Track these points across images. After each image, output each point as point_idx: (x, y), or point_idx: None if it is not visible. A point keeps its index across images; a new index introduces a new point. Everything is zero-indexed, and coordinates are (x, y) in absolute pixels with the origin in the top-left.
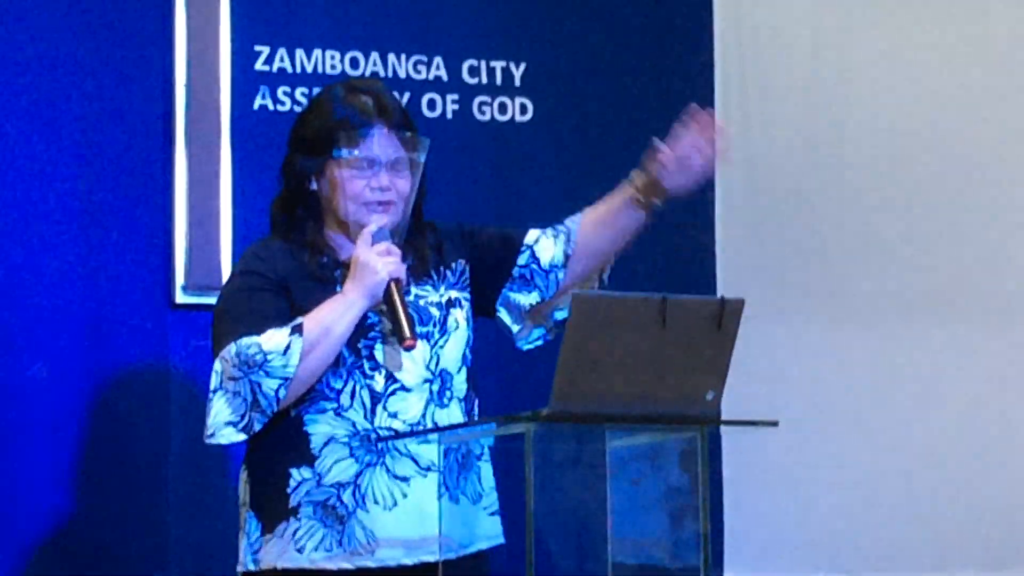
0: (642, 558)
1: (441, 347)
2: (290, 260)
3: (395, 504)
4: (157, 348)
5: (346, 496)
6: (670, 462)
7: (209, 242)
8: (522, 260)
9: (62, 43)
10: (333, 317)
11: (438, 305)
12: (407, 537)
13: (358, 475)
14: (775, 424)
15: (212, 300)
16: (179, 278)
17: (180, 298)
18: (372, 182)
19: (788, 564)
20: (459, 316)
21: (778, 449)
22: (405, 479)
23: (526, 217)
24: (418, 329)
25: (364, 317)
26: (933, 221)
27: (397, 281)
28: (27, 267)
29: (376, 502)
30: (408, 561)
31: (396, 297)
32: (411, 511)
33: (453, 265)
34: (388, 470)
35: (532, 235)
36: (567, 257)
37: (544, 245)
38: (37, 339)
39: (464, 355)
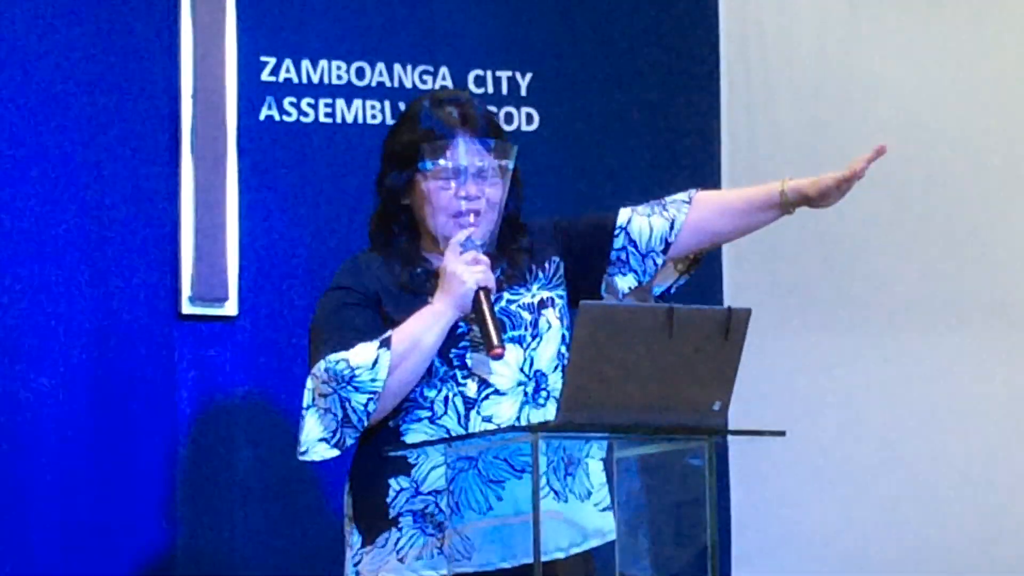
0: (649, 568)
1: (534, 349)
2: (383, 273)
3: (489, 508)
4: (163, 358)
5: (443, 503)
6: (678, 472)
7: (215, 253)
8: (617, 243)
9: (68, 53)
10: (422, 329)
11: (529, 307)
12: (504, 541)
13: (451, 481)
14: (782, 434)
15: (218, 311)
16: (185, 289)
17: (186, 309)
18: (459, 192)
19: (796, 574)
20: (551, 316)
21: (785, 459)
22: (499, 482)
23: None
24: (510, 333)
25: (455, 326)
26: (942, 229)
27: (486, 290)
28: (34, 277)
29: (471, 508)
30: (506, 565)
31: (484, 306)
32: (507, 514)
33: (546, 264)
34: (480, 474)
35: (624, 215)
36: (667, 244)
37: (639, 225)
38: (44, 349)
39: (559, 352)
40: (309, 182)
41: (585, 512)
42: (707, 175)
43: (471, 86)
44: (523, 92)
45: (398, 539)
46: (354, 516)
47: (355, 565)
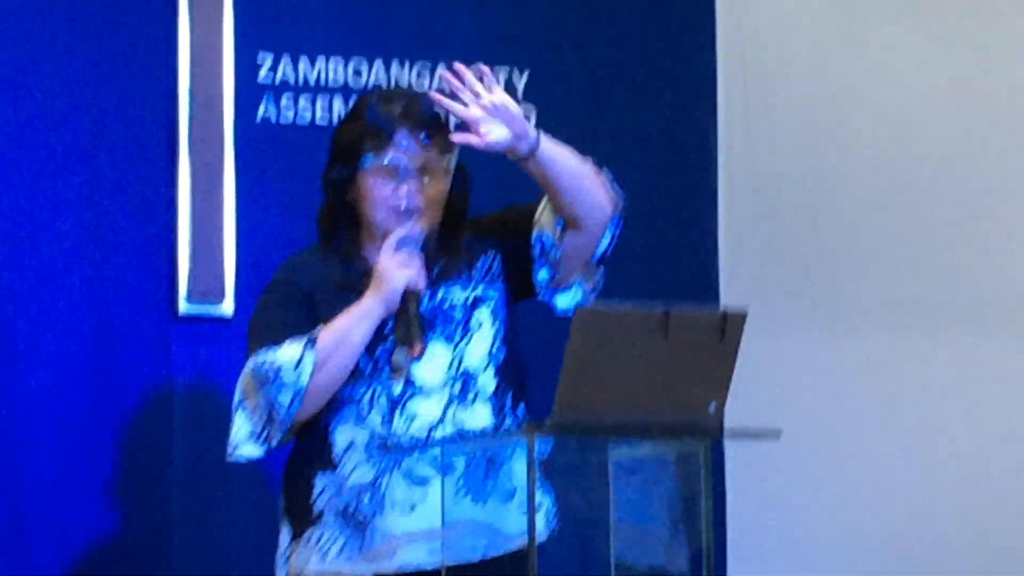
0: (645, 569)
1: (463, 348)
2: (321, 270)
3: (412, 508)
4: (160, 358)
5: (365, 500)
6: (673, 473)
7: (212, 252)
8: (535, 234)
9: (65, 54)
10: (348, 326)
11: (463, 306)
12: (426, 541)
13: (375, 479)
14: (778, 435)
15: (215, 310)
16: (182, 288)
17: (183, 308)
18: (399, 190)
19: (792, 575)
20: (483, 315)
21: (781, 460)
22: (423, 481)
23: None
24: (440, 331)
25: (382, 324)
26: (938, 232)
27: (414, 292)
28: (31, 277)
29: (394, 507)
30: (428, 565)
31: (409, 307)
32: (430, 514)
33: (482, 259)
34: (406, 474)
35: (540, 206)
36: (559, 232)
37: (547, 218)
38: (41, 349)
39: (490, 353)
40: (305, 182)
41: (506, 515)
42: (703, 175)
43: None
44: (520, 91)
45: (320, 535)
46: (284, 512)
47: (285, 561)
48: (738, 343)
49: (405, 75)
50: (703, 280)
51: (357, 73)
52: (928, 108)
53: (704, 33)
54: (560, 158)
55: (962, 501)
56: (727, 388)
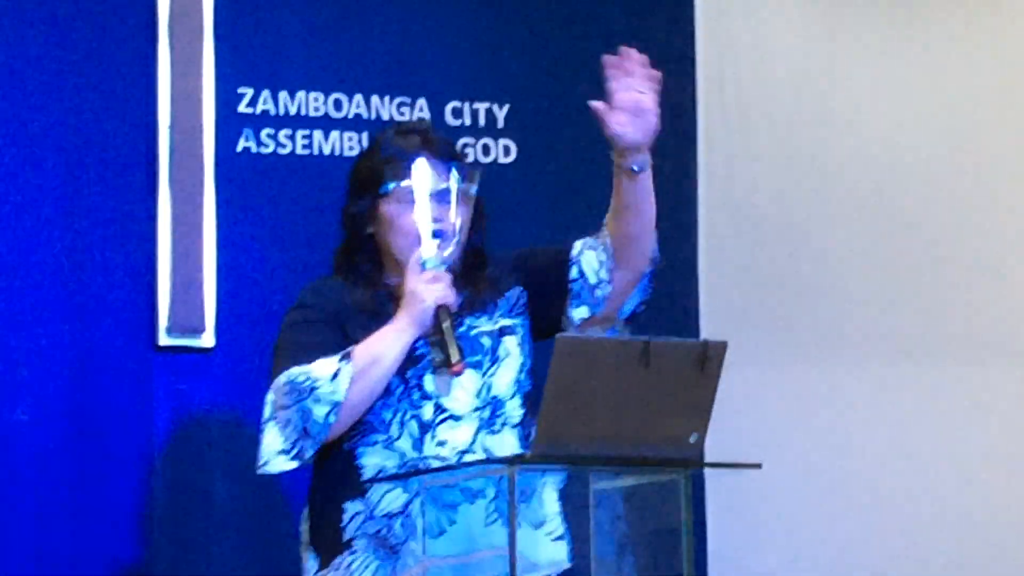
0: None
1: (492, 375)
2: (345, 294)
3: (442, 532)
4: (141, 390)
5: (397, 526)
6: (654, 504)
7: (193, 284)
8: (573, 274)
9: (45, 83)
10: (382, 345)
11: (490, 334)
12: (455, 564)
13: (407, 504)
14: (759, 467)
15: (196, 342)
16: (163, 320)
17: (164, 340)
18: (421, 213)
19: None
20: (511, 344)
21: (762, 491)
22: (453, 506)
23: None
24: (468, 359)
25: (414, 347)
26: (920, 258)
27: (445, 308)
28: (10, 308)
29: (424, 532)
30: None
31: (444, 324)
32: (459, 537)
33: (507, 294)
34: (435, 499)
35: (577, 247)
36: (609, 271)
37: (589, 258)
38: (20, 381)
39: (518, 381)
40: (286, 214)
41: (537, 542)
42: (684, 204)
43: (448, 118)
44: (500, 124)
45: (352, 562)
46: (311, 541)
47: None
48: (719, 373)
49: (386, 109)
50: (683, 310)
51: (338, 106)
52: (911, 135)
53: (683, 63)
54: (649, 190)
55: (944, 531)
56: (708, 418)
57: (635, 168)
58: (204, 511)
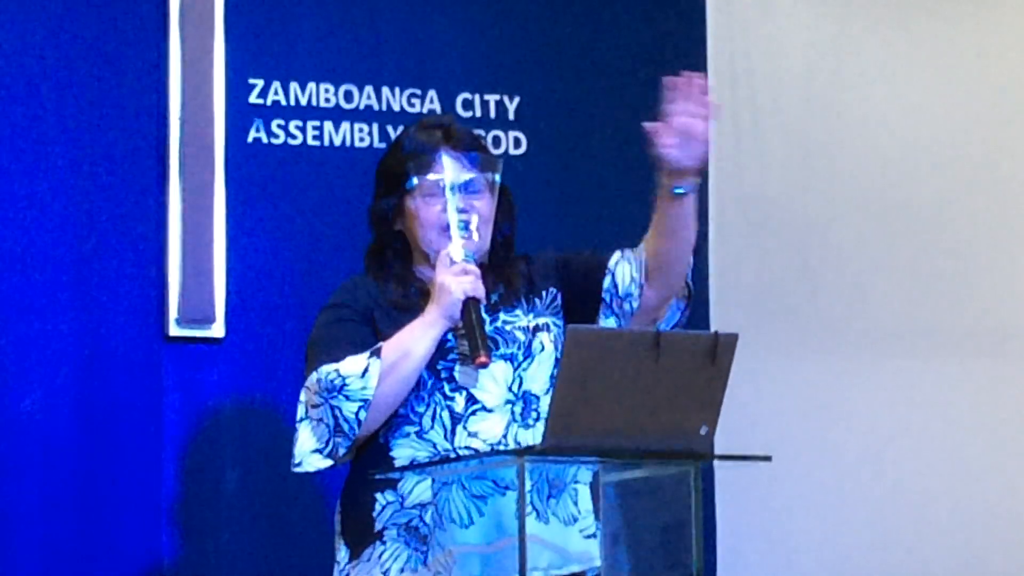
0: None
1: (525, 369)
2: (377, 292)
3: (471, 522)
4: (151, 380)
5: (427, 516)
6: (664, 496)
7: (203, 275)
8: (606, 284)
9: (55, 75)
10: (412, 339)
11: (524, 329)
12: (484, 553)
13: (436, 495)
14: (768, 459)
15: (205, 333)
16: (172, 311)
17: (173, 331)
18: (448, 205)
19: None
20: (546, 339)
21: (772, 483)
22: (483, 497)
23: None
24: (502, 351)
25: (443, 340)
26: (929, 252)
27: (474, 300)
28: (20, 300)
29: (453, 520)
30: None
31: (472, 316)
32: (488, 528)
33: (543, 293)
34: (465, 488)
35: (614, 257)
36: (639, 286)
37: (623, 270)
38: (30, 372)
39: (552, 376)
40: (296, 205)
41: (569, 537)
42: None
43: (459, 109)
44: (511, 116)
45: (382, 552)
46: (342, 531)
47: None
48: (729, 366)
49: (396, 100)
50: (694, 304)
51: (348, 98)
52: (921, 129)
53: (694, 58)
54: (692, 215)
55: (954, 524)
56: (718, 411)
57: (679, 191)
58: (214, 501)
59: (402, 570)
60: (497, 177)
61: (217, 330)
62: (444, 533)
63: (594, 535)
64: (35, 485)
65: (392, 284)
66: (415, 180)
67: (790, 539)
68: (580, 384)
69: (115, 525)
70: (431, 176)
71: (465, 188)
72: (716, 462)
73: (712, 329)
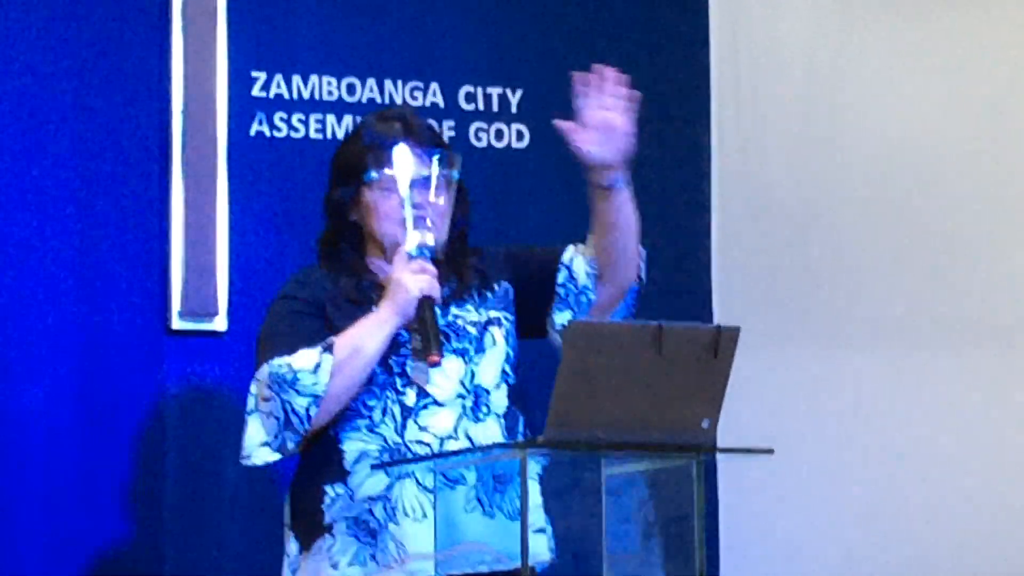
0: None
1: (476, 364)
2: (329, 285)
3: (424, 516)
4: (153, 374)
5: (377, 510)
6: (666, 489)
7: (205, 268)
8: (560, 278)
9: (58, 67)
10: (364, 335)
11: (476, 324)
12: (438, 560)
13: (388, 488)
14: (771, 452)
15: (208, 326)
16: (175, 304)
17: (176, 324)
18: (404, 202)
19: None
20: (497, 334)
21: (774, 476)
22: (433, 491)
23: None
24: (454, 346)
25: (397, 335)
26: (931, 244)
27: (429, 299)
28: (22, 292)
29: (406, 514)
30: (439, 573)
31: (426, 314)
32: (439, 522)
33: (496, 287)
34: (418, 482)
35: (568, 252)
36: (593, 278)
37: (578, 264)
38: (32, 364)
39: (503, 371)
40: (299, 198)
41: (513, 532)
42: (697, 191)
43: (461, 102)
44: (514, 109)
45: (331, 545)
46: (291, 524)
47: (292, 573)
48: (731, 359)
49: (399, 93)
50: (696, 295)
51: (351, 90)
52: (923, 122)
53: (697, 50)
54: (627, 206)
55: (956, 516)
56: (720, 404)
57: (607, 186)
58: (215, 494)
59: (351, 563)
60: (455, 174)
61: (220, 323)
62: (397, 527)
63: (541, 530)
64: (37, 477)
65: (345, 276)
66: (374, 174)
67: (793, 532)
68: (581, 377)
69: (115, 516)
70: (390, 170)
71: (422, 184)
72: (718, 455)
73: (714, 322)
